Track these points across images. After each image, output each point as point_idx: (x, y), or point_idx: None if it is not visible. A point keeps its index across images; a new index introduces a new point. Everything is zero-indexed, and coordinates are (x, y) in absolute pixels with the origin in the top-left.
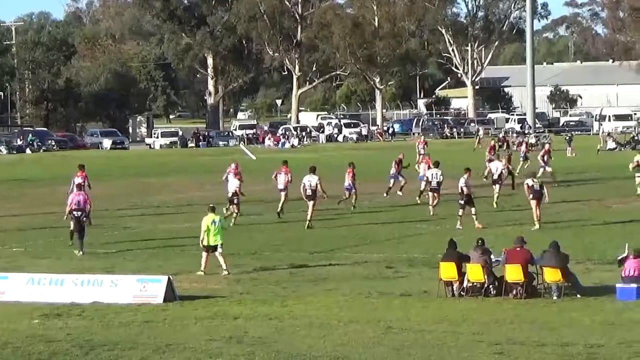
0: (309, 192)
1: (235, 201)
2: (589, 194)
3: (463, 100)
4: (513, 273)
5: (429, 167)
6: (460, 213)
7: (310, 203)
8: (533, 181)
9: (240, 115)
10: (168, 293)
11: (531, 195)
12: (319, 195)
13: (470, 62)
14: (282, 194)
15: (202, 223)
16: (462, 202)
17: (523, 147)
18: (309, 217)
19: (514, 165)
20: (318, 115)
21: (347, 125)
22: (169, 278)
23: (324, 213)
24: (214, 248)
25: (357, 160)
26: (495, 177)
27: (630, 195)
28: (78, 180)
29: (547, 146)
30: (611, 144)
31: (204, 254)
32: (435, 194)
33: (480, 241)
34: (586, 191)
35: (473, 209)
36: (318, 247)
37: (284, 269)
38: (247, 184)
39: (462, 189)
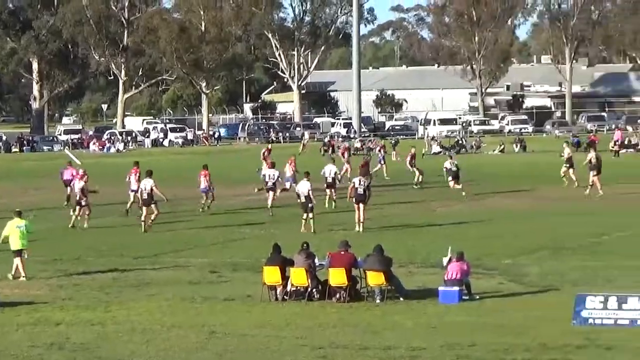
0: (144, 195)
1: (84, 203)
2: (414, 198)
3: (289, 105)
4: (337, 277)
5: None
6: (304, 217)
7: (146, 208)
8: (359, 183)
9: (65, 120)
10: None
11: (354, 198)
12: (157, 198)
13: (296, 66)
14: (132, 194)
15: (6, 227)
16: (311, 205)
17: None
18: (143, 220)
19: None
20: (144, 120)
21: (173, 130)
22: None
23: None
24: (19, 252)
25: (185, 164)
26: (330, 180)
27: (451, 199)
28: None
29: (412, 150)
30: (436, 148)
31: (15, 259)
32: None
33: (305, 245)
34: (411, 195)
35: (311, 214)
36: (142, 251)
37: (107, 274)
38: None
39: (309, 193)
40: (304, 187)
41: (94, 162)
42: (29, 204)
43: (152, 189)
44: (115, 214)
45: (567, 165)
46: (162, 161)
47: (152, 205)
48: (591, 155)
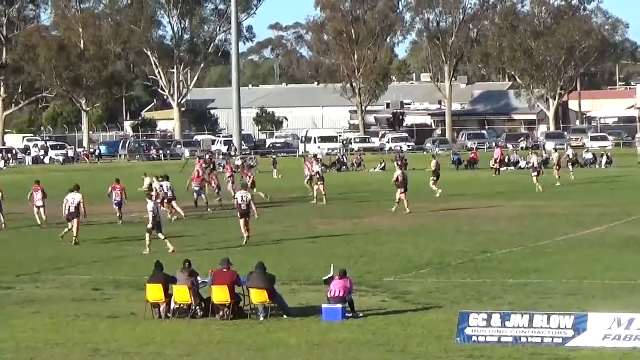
0: (72, 209)
1: None
2: (296, 215)
3: (170, 122)
4: (220, 294)
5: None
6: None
7: (75, 221)
8: (242, 198)
9: None
10: None
11: (239, 214)
12: (82, 213)
13: (176, 84)
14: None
15: None
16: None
17: (228, 170)
18: (75, 234)
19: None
20: (24, 138)
21: (54, 147)
22: None
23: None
24: None
25: (66, 182)
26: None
27: (333, 217)
28: None
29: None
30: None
31: None
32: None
33: (187, 263)
34: (293, 212)
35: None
36: (25, 269)
37: None
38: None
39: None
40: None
41: None
42: None
43: (79, 203)
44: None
45: (434, 178)
46: (43, 179)
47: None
48: (398, 173)
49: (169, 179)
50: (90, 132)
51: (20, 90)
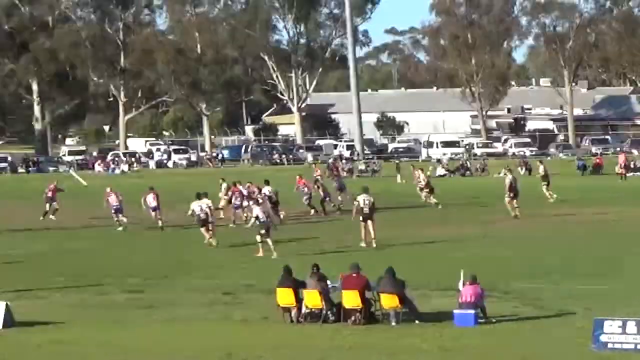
0: (202, 215)
1: None
2: (421, 219)
3: (290, 127)
4: (351, 299)
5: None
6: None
7: (210, 225)
8: (364, 202)
9: (68, 141)
10: (6, 319)
11: (360, 217)
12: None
13: (295, 88)
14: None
15: None
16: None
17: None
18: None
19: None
20: (146, 142)
21: (177, 152)
22: (6, 304)
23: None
24: None
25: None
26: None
27: (459, 222)
28: None
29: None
30: (440, 171)
31: None
32: None
33: (315, 267)
34: (418, 216)
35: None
36: (156, 273)
37: (121, 295)
38: (76, 209)
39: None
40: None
41: (100, 183)
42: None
43: (209, 209)
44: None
45: (545, 183)
46: (167, 183)
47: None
48: (510, 178)
49: (269, 183)
50: (212, 137)
51: (140, 95)
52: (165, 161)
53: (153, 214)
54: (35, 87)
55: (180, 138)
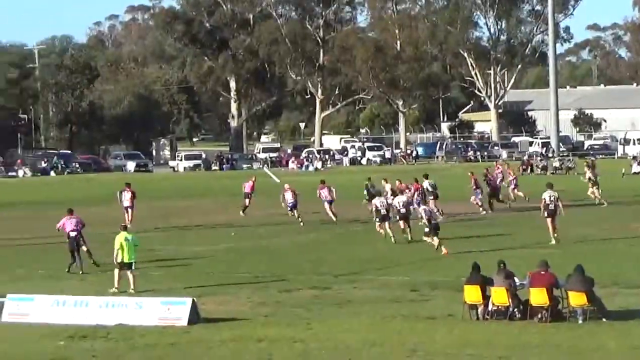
0: (402, 210)
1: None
2: (612, 217)
3: (486, 124)
4: (538, 296)
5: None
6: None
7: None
8: (549, 199)
9: (263, 138)
10: (192, 315)
11: (545, 213)
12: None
13: (493, 85)
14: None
15: (116, 241)
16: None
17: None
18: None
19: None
20: (341, 139)
21: (371, 149)
22: (193, 300)
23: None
24: (129, 265)
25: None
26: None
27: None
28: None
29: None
30: (636, 168)
31: (117, 271)
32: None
33: (502, 264)
34: (609, 214)
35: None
36: (342, 269)
37: (308, 291)
38: (269, 206)
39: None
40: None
41: (293, 180)
42: (232, 221)
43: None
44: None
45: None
46: (360, 180)
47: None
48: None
49: (428, 177)
50: (407, 134)
51: (337, 92)
52: (359, 158)
53: (289, 212)
54: (233, 84)
55: (375, 135)
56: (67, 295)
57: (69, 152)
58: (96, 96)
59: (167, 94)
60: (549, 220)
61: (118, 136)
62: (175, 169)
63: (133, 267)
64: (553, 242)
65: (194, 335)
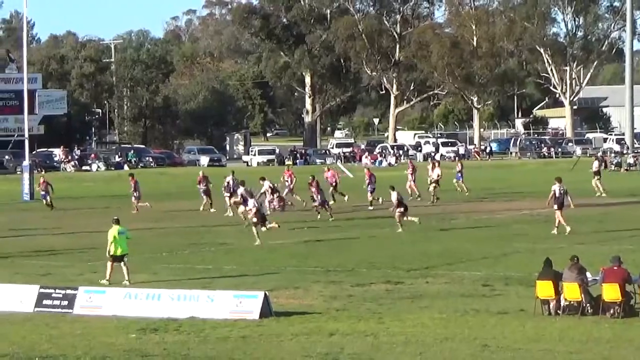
0: None
1: None
2: None
3: (560, 120)
4: (610, 292)
5: None
6: None
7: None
8: (559, 191)
9: (337, 133)
10: (264, 309)
11: (555, 205)
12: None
13: (568, 82)
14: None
15: (109, 235)
16: None
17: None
18: None
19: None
20: (415, 134)
21: (445, 144)
22: (265, 294)
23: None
24: (121, 258)
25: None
26: None
27: None
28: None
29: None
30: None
31: (109, 264)
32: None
33: (575, 259)
34: None
35: None
36: (414, 264)
37: (380, 285)
38: (340, 200)
39: None
40: None
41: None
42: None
43: None
44: (385, 226)
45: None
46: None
47: None
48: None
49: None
50: (481, 130)
51: (411, 87)
52: (432, 154)
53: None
54: (308, 79)
55: (450, 131)
56: (139, 288)
57: (143, 146)
58: (171, 91)
59: (242, 89)
60: (558, 212)
61: (192, 131)
62: (249, 163)
63: (125, 260)
64: (555, 232)
65: (265, 328)
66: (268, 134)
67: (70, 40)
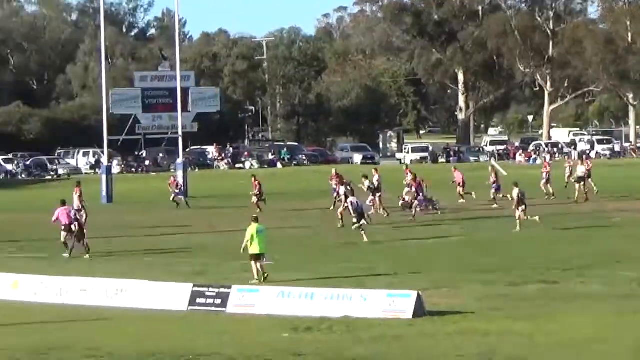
0: None
1: None
2: None
3: None
4: None
5: None
6: None
7: None
8: None
9: (491, 130)
10: (417, 308)
11: None
12: None
13: None
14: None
15: (247, 233)
16: None
17: None
18: None
19: None
20: (570, 132)
21: (600, 142)
22: (418, 293)
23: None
24: (260, 257)
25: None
26: None
27: None
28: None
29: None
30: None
31: (253, 264)
32: None
33: None
34: None
35: None
36: (570, 264)
37: (535, 285)
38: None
39: None
40: None
41: (520, 173)
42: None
43: None
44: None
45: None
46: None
47: None
48: None
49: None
50: (637, 127)
51: (566, 84)
52: (588, 152)
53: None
54: (461, 76)
55: (605, 128)
56: (292, 287)
57: (296, 144)
58: (323, 88)
59: (395, 86)
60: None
61: (345, 128)
62: (402, 161)
63: (264, 259)
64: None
65: (418, 328)
66: (421, 132)
67: (222, 38)
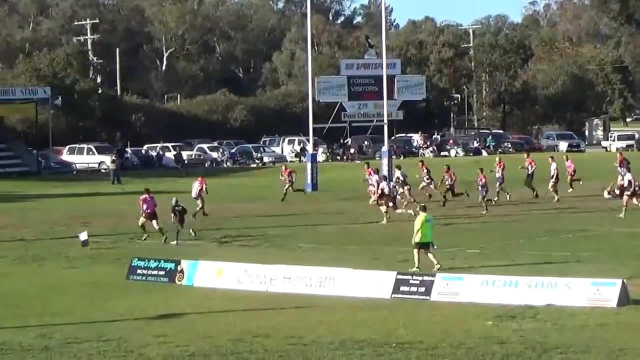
0: None
1: None
2: None
3: None
4: None
5: None
6: None
7: None
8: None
9: None
10: (622, 297)
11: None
12: None
13: None
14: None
15: (416, 222)
16: None
17: None
18: None
19: None
20: None
21: None
22: (623, 282)
23: None
24: (427, 245)
25: None
26: None
27: None
28: None
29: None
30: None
31: (415, 251)
32: None
33: None
34: None
35: None
36: None
37: None
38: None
39: None
40: None
41: None
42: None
43: None
44: None
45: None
46: None
47: None
48: None
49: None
50: None
51: None
52: None
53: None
54: None
55: None
56: (496, 275)
57: (502, 131)
58: (530, 76)
59: (601, 73)
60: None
61: (551, 116)
62: (608, 149)
63: (432, 247)
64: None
65: (622, 317)
66: (627, 119)
67: (429, 26)
